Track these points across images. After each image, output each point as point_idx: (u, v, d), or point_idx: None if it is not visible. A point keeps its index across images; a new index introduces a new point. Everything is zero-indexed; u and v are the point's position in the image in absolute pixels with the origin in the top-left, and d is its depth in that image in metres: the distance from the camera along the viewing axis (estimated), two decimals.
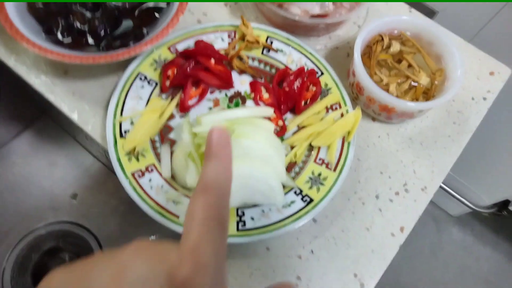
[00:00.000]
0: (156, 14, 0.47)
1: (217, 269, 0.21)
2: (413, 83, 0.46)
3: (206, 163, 0.24)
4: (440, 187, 1.21)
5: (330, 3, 0.48)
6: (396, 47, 0.48)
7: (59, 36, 0.44)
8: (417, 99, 0.46)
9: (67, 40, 0.44)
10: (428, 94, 0.46)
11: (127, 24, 0.46)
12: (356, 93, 0.48)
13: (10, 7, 0.44)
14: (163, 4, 0.48)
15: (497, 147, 0.97)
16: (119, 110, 0.44)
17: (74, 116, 0.46)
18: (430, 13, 0.85)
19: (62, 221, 0.74)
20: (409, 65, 0.47)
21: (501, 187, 1.10)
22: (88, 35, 0.45)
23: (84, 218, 0.75)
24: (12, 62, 0.48)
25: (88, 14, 0.46)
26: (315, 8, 0.48)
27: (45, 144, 0.80)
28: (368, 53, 0.48)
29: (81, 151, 0.80)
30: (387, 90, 0.45)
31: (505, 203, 1.15)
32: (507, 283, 1.36)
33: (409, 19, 0.48)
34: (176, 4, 0.46)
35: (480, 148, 1.00)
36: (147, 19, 0.47)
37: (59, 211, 0.75)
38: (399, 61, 0.48)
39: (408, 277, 1.29)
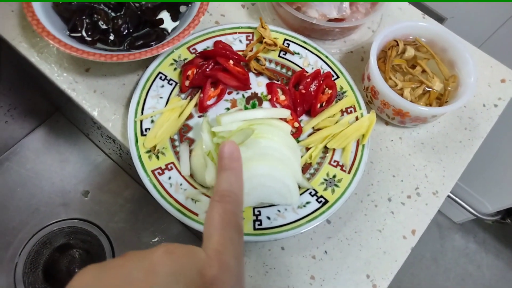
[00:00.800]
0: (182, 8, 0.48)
1: (239, 269, 0.24)
2: (427, 88, 0.47)
3: (220, 174, 0.27)
4: None
5: (348, 8, 0.49)
6: (410, 52, 0.49)
7: (84, 34, 0.45)
8: (430, 104, 0.47)
9: (91, 38, 0.45)
10: (441, 99, 0.47)
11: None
12: (370, 97, 0.49)
13: (36, 5, 0.45)
14: (182, 9, 0.49)
15: (503, 155, 0.98)
16: (140, 108, 0.45)
17: (94, 114, 0.47)
18: (439, 20, 0.86)
19: (73, 218, 0.75)
20: (423, 71, 0.48)
21: (505, 195, 1.11)
22: (111, 34, 0.46)
23: (94, 215, 0.75)
24: (35, 59, 0.49)
25: (111, 14, 0.47)
26: (333, 12, 0.49)
27: (58, 140, 0.81)
28: (383, 57, 0.49)
29: (92, 148, 0.81)
30: (402, 95, 0.46)
31: (509, 211, 1.16)
32: None
33: (424, 25, 0.49)
34: (197, 5, 0.48)
35: (486, 155, 1.00)
36: (170, 18, 0.48)
37: (70, 207, 0.76)
38: (413, 67, 0.49)
39: (409, 283, 1.30)
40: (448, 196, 1.23)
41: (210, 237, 0.24)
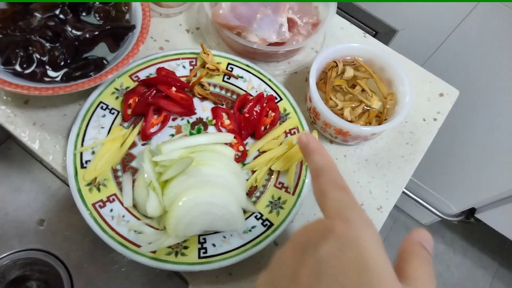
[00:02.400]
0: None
1: (359, 215, 0.26)
2: (366, 107, 0.49)
3: (308, 159, 0.33)
4: (410, 197, 1.26)
5: (287, 31, 0.50)
6: (350, 72, 0.50)
7: (18, 67, 0.44)
8: (370, 123, 0.48)
9: (26, 71, 0.44)
10: (380, 117, 0.49)
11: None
12: (313, 118, 0.50)
13: None
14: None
15: (463, 158, 1.02)
16: (80, 140, 0.44)
17: (34, 146, 0.46)
18: (391, 32, 0.89)
19: (28, 249, 0.72)
20: (363, 90, 0.50)
21: (466, 196, 1.15)
22: (47, 66, 0.45)
23: (51, 244, 0.73)
24: None
25: (47, 45, 0.46)
26: (272, 36, 0.50)
27: (11, 169, 0.78)
28: (324, 78, 0.50)
29: (47, 175, 0.78)
30: (342, 115, 0.47)
31: (472, 210, 1.20)
32: None
33: (361, 46, 0.51)
34: (137, 34, 0.48)
35: (447, 159, 1.04)
36: (109, 49, 0.48)
37: (25, 238, 0.73)
38: (353, 86, 0.50)
39: None
40: (414, 199, 1.27)
41: (324, 209, 0.28)
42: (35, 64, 0.45)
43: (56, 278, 0.72)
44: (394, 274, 0.23)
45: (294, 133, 0.48)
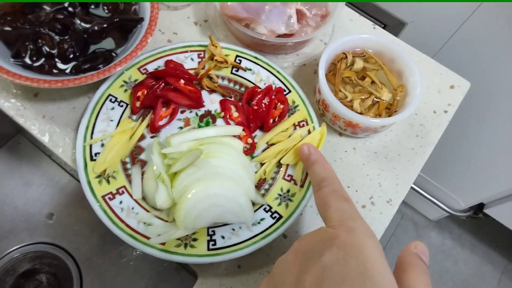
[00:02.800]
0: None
1: (361, 225, 0.27)
2: (376, 99, 0.48)
3: (309, 170, 0.34)
4: (418, 192, 1.25)
5: (296, 23, 0.50)
6: (359, 64, 0.50)
7: (28, 60, 0.44)
8: (380, 115, 0.48)
9: (36, 64, 0.45)
10: (390, 109, 0.48)
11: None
12: (322, 110, 0.49)
13: None
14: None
15: (468, 152, 1.01)
16: (89, 132, 0.44)
17: (44, 139, 0.47)
18: (400, 24, 0.88)
19: (38, 242, 0.73)
20: (372, 82, 0.49)
21: (475, 191, 1.14)
22: (57, 58, 0.45)
23: (60, 237, 0.74)
24: None
25: (56, 38, 0.46)
26: (281, 28, 0.49)
27: (20, 163, 0.79)
28: (333, 70, 0.50)
29: (57, 170, 0.79)
30: (351, 107, 0.47)
31: (480, 206, 1.19)
32: (486, 284, 1.40)
33: (370, 37, 0.50)
34: (145, 26, 0.47)
35: (455, 153, 1.03)
36: (117, 41, 0.48)
37: (35, 231, 0.74)
38: (363, 78, 0.50)
39: None
40: (422, 194, 1.26)
41: (326, 218, 0.29)
42: (44, 57, 0.45)
43: (65, 271, 0.73)
44: (395, 283, 0.23)
45: (303, 125, 0.48)
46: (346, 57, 0.50)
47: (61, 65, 0.45)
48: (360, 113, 0.47)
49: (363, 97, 0.48)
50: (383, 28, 0.84)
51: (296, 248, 0.27)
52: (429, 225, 1.49)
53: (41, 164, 0.79)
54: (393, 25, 0.89)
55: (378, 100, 0.48)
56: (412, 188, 1.19)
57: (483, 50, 0.73)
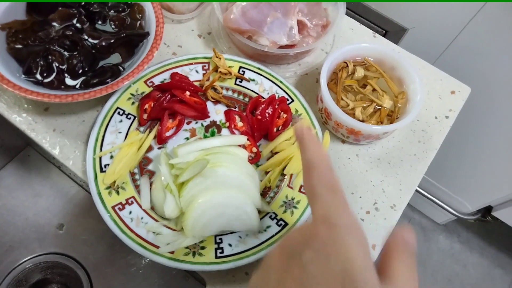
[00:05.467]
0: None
1: (346, 220, 0.26)
2: (377, 107, 0.49)
3: (302, 151, 0.31)
4: (425, 196, 1.25)
5: (297, 34, 0.51)
6: (360, 72, 0.51)
7: (38, 76, 0.46)
8: (381, 122, 0.48)
9: (46, 79, 0.46)
10: (392, 116, 0.49)
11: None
12: (325, 118, 0.50)
13: None
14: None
15: (473, 156, 1.01)
16: (98, 145, 0.46)
17: (55, 152, 0.48)
18: (401, 31, 0.89)
19: (49, 253, 0.74)
20: (374, 89, 0.50)
21: (482, 194, 1.13)
22: (66, 74, 0.47)
23: (70, 247, 0.75)
24: None
25: (66, 54, 0.48)
26: (283, 39, 0.51)
27: (30, 175, 0.81)
28: (334, 79, 0.51)
29: (66, 181, 0.81)
30: (353, 114, 0.48)
31: (488, 209, 1.18)
32: None
33: (371, 46, 0.51)
34: (151, 40, 0.49)
35: (459, 157, 1.03)
36: (124, 56, 0.49)
37: (45, 242, 0.75)
38: (364, 86, 0.51)
39: None
40: (429, 198, 1.26)
41: (313, 209, 0.27)
42: (55, 73, 0.47)
43: (76, 281, 0.74)
44: (377, 279, 0.23)
45: None
46: (347, 66, 0.51)
47: (70, 80, 0.47)
48: (362, 121, 0.47)
49: (364, 105, 0.49)
50: (384, 34, 0.85)
51: (282, 244, 0.26)
52: (437, 229, 1.49)
53: (50, 176, 0.81)
54: (394, 32, 0.90)
55: (380, 107, 0.49)
56: (418, 192, 1.19)
57: (483, 55, 0.74)
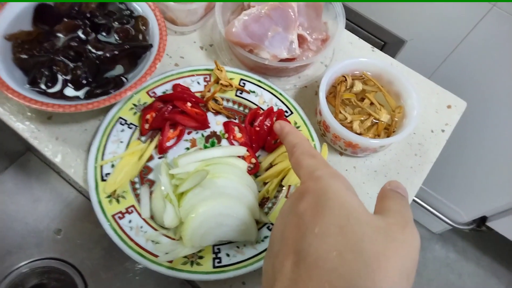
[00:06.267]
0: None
1: (330, 172, 0.29)
2: (374, 120, 0.50)
3: (285, 138, 0.36)
4: (420, 205, 1.26)
5: (297, 48, 0.52)
6: (358, 86, 0.52)
7: (43, 86, 0.47)
8: (379, 135, 0.49)
9: (51, 89, 0.47)
10: (389, 129, 0.50)
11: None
12: (323, 130, 0.51)
13: None
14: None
15: (469, 167, 1.02)
16: (100, 154, 0.46)
17: (57, 160, 0.49)
18: (399, 42, 0.91)
19: (46, 258, 0.74)
20: (371, 103, 0.51)
21: (477, 204, 1.14)
22: (70, 84, 0.48)
23: (67, 253, 0.75)
24: None
25: (71, 64, 0.48)
26: (283, 53, 0.52)
27: (30, 180, 0.81)
28: (333, 92, 0.52)
29: (64, 186, 0.81)
30: (351, 127, 0.49)
31: (483, 219, 1.19)
32: None
33: (369, 61, 0.52)
34: (154, 52, 0.50)
35: (455, 167, 1.04)
36: (128, 67, 0.50)
37: (43, 247, 0.75)
38: (362, 99, 0.52)
39: None
40: (424, 207, 1.27)
41: (300, 175, 0.31)
42: (59, 83, 0.47)
43: (72, 286, 0.74)
44: (365, 208, 0.26)
45: None
46: (346, 79, 0.52)
47: (74, 90, 0.48)
48: (360, 134, 0.48)
49: (362, 118, 0.50)
50: (383, 46, 0.86)
51: (280, 212, 0.29)
52: (433, 238, 1.49)
53: (50, 181, 0.82)
54: (392, 43, 0.92)
55: (377, 121, 0.50)
56: (414, 201, 1.20)
57: (479, 69, 0.75)
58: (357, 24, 0.86)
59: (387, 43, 0.89)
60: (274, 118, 0.50)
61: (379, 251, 0.22)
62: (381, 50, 0.63)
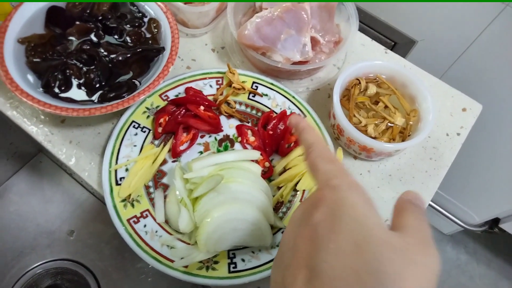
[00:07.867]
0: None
1: (347, 181, 0.27)
2: (389, 124, 0.49)
3: (300, 135, 0.35)
4: (432, 206, 1.24)
5: (310, 51, 0.52)
6: (372, 89, 0.51)
7: (56, 90, 0.47)
8: (393, 139, 0.49)
9: (64, 93, 0.47)
10: (404, 133, 0.49)
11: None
12: (337, 134, 0.51)
13: (10, 62, 0.47)
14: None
15: (483, 169, 1.01)
16: (114, 158, 0.47)
17: (71, 163, 0.49)
18: (410, 42, 0.90)
19: (59, 259, 0.75)
20: (386, 106, 0.51)
21: (490, 206, 1.13)
22: (84, 87, 0.48)
23: (80, 254, 0.76)
24: (11, 113, 0.51)
25: (83, 68, 0.49)
26: (296, 56, 0.51)
27: (42, 181, 0.82)
28: (347, 95, 0.51)
29: (76, 187, 0.82)
30: (366, 131, 0.48)
31: (495, 220, 1.18)
32: None
33: (383, 64, 0.52)
34: (166, 55, 0.50)
35: (469, 170, 1.03)
36: (140, 70, 0.50)
37: (56, 248, 0.76)
38: (376, 103, 0.51)
39: None
40: (436, 209, 1.25)
41: (316, 180, 0.29)
42: (73, 87, 0.47)
43: (86, 287, 0.75)
44: (383, 223, 0.24)
45: None
46: (360, 82, 0.51)
47: (87, 94, 0.48)
48: (374, 138, 0.48)
49: (377, 121, 0.49)
50: (393, 46, 0.85)
51: (292, 218, 0.28)
52: (444, 239, 1.48)
53: (61, 182, 0.82)
54: (403, 43, 0.91)
55: (392, 124, 0.49)
56: None
57: (492, 70, 0.74)
58: (367, 24, 0.85)
59: (398, 43, 0.88)
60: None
61: (397, 272, 0.22)
62: (391, 50, 0.62)
